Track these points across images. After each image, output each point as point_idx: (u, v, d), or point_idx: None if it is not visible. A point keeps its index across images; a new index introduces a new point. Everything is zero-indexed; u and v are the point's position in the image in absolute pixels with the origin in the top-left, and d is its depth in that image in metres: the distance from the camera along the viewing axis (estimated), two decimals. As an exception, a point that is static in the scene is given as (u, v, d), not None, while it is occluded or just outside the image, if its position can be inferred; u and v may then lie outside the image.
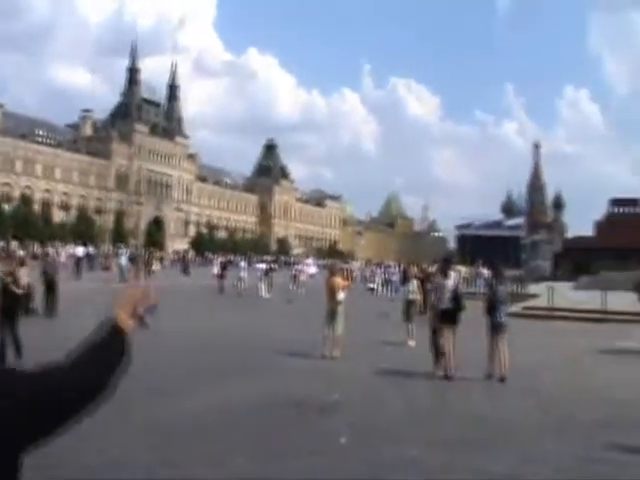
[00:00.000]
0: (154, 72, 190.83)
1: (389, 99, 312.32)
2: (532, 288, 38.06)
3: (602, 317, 21.09)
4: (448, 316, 10.62)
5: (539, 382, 10.51)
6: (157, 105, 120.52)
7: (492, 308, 10.83)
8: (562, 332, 18.47)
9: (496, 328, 10.75)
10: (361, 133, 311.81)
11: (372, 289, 35.98)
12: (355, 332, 14.17)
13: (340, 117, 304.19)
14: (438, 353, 10.68)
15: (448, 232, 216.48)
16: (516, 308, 25.04)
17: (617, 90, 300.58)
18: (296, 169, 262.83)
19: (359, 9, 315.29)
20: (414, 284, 13.66)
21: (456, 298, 10.69)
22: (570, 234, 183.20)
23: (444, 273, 11.01)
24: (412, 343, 13.84)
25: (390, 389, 9.76)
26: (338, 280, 13.27)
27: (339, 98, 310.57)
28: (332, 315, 12.59)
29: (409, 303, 13.74)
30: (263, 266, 31.61)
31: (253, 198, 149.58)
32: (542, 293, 27.55)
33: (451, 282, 10.84)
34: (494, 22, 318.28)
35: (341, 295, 12.78)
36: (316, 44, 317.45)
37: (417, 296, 14.54)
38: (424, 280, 24.60)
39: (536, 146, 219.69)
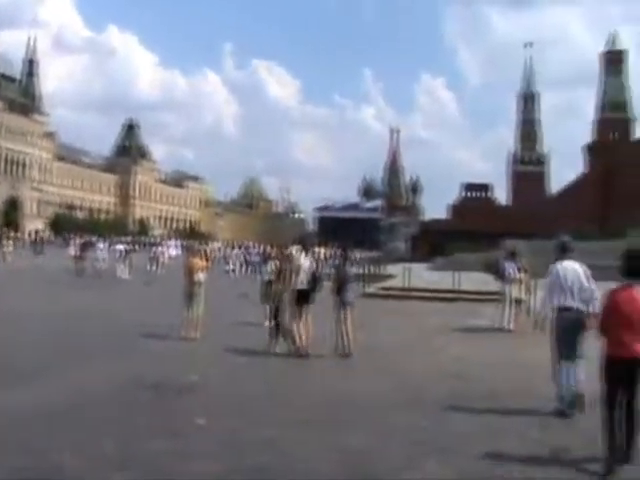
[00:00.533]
0: (11, 46, 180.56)
1: (250, 81, 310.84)
2: (390, 269, 39.19)
3: (455, 297, 22.09)
4: (303, 296, 10.92)
5: (393, 360, 10.86)
6: (13, 81, 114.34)
7: (340, 288, 11.30)
8: (417, 312, 19.15)
9: (343, 306, 11.22)
10: (222, 114, 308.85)
11: (231, 270, 35.95)
12: (214, 313, 14.12)
13: (201, 97, 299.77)
14: (278, 331, 11.20)
15: (308, 214, 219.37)
16: (373, 289, 25.79)
17: (470, 80, 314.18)
18: (156, 149, 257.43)
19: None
20: (272, 265, 13.58)
21: (314, 279, 11.02)
22: (427, 217, 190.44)
23: (306, 252, 11.39)
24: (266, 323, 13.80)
25: (248, 369, 9.83)
26: (197, 261, 13.25)
27: (201, 78, 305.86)
28: (191, 296, 12.61)
29: (267, 284, 13.71)
30: (122, 247, 30.82)
31: (112, 178, 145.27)
32: (399, 274, 28.47)
33: (308, 263, 11.16)
34: (354, 7, 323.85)
35: (200, 276, 12.78)
36: (178, 23, 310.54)
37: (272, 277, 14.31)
38: (282, 261, 24.88)
39: (394, 131, 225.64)
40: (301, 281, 10.97)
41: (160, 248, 36.68)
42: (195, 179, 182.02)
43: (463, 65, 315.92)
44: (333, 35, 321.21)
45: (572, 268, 7.66)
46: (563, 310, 7.54)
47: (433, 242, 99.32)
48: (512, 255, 16.07)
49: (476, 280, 22.43)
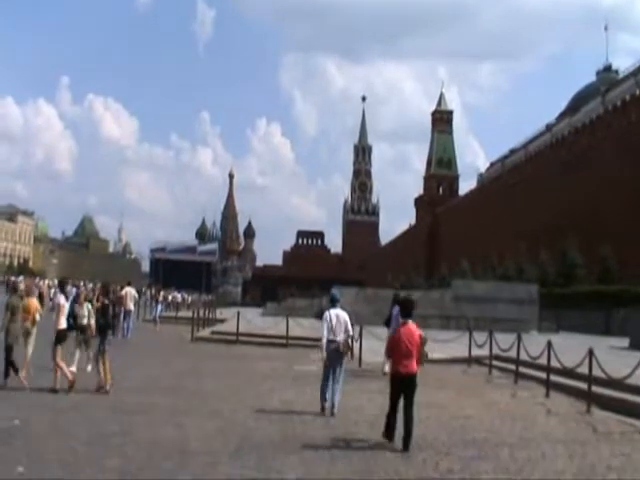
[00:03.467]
0: None
1: (86, 115, 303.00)
2: (223, 312, 38.97)
3: (285, 342, 22.26)
4: (63, 335, 11.43)
5: (222, 405, 10.74)
6: None
7: (103, 331, 11.89)
8: (247, 357, 19.14)
9: (102, 348, 11.77)
10: (57, 148, 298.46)
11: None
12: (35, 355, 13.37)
13: (35, 130, 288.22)
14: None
15: (143, 255, 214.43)
16: (205, 332, 25.51)
17: (306, 129, 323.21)
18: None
19: (59, 18, 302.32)
20: (86, 308, 12.88)
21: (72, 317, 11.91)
22: (262, 262, 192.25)
23: (65, 295, 11.92)
24: (89, 367, 13.25)
25: (70, 414, 9.35)
26: (33, 300, 12.53)
27: (35, 109, 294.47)
28: (26, 336, 11.98)
29: (81, 328, 13.05)
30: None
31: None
32: (231, 318, 28.35)
33: (68, 304, 11.79)
34: (194, 50, 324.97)
35: (37, 316, 12.21)
36: (14, 50, 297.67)
37: (90, 320, 13.03)
38: (110, 304, 24.00)
39: (230, 176, 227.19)
40: (64, 321, 11.39)
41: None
42: (27, 214, 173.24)
43: (299, 113, 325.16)
44: (173, 75, 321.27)
45: (336, 314, 10.72)
46: (330, 342, 10.49)
47: (266, 287, 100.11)
48: (397, 301, 15.96)
49: (307, 326, 22.75)
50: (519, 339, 15.38)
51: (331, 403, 10.39)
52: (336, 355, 10.52)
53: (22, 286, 30.19)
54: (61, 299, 11.65)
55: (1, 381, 11.22)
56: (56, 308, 11.57)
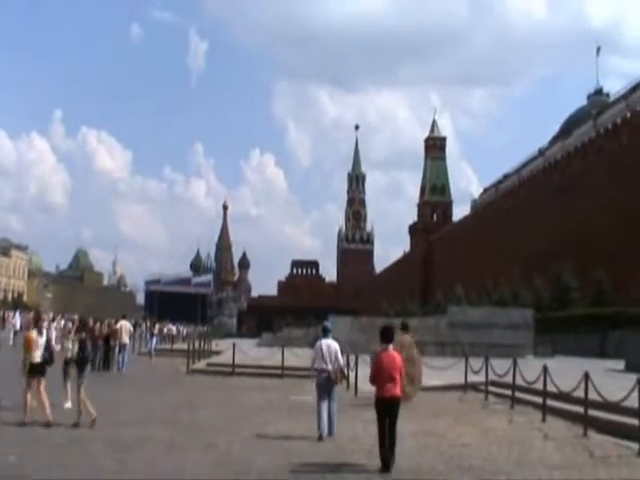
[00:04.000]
0: None
1: (79, 149, 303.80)
2: (219, 344, 38.87)
3: (280, 373, 22.22)
4: (39, 368, 11.43)
5: (218, 437, 10.71)
6: None
7: (81, 365, 11.77)
8: (243, 388, 19.11)
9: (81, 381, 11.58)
10: (50, 182, 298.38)
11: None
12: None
13: (28, 163, 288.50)
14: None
15: (137, 287, 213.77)
16: (201, 365, 25.45)
17: (300, 158, 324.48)
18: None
19: (53, 51, 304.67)
20: (71, 341, 12.92)
21: (49, 352, 11.66)
22: (257, 293, 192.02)
23: (39, 330, 11.74)
24: (68, 405, 13.03)
25: (66, 449, 9.32)
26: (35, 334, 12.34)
27: (28, 143, 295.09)
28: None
29: (66, 362, 13.03)
30: None
31: None
32: (226, 349, 28.30)
33: (44, 338, 11.67)
34: (187, 81, 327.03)
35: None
36: (6, 84, 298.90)
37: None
38: (86, 338, 23.87)
39: (224, 207, 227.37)
40: (37, 355, 11.43)
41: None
42: (21, 248, 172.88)
43: (293, 143, 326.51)
44: (166, 107, 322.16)
45: (327, 344, 11.25)
46: (321, 371, 11.08)
47: (261, 318, 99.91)
48: (404, 328, 16.34)
49: (302, 355, 22.70)
50: (515, 364, 15.41)
51: (329, 424, 10.91)
52: (328, 383, 11.10)
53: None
54: (33, 333, 11.65)
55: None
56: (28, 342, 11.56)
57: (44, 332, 11.88)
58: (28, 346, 11.54)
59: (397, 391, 8.76)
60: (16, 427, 10.89)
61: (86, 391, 11.40)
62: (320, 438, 10.63)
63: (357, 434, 11.27)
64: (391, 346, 9.07)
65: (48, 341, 11.75)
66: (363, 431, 11.35)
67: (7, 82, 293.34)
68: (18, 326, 37.44)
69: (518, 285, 57.01)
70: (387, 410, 8.73)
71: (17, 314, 45.31)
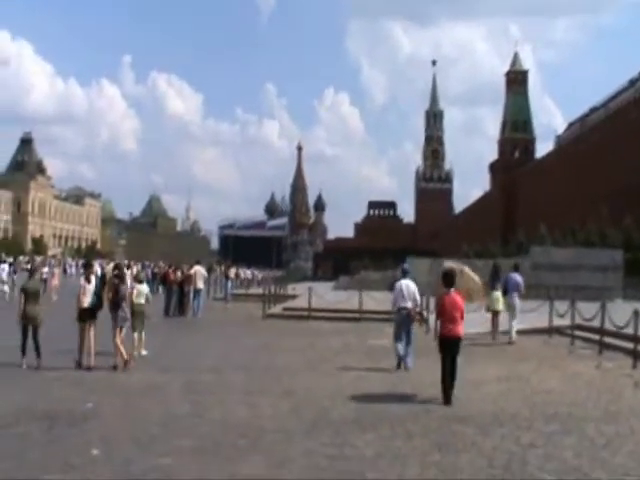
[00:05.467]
0: None
1: (150, 94, 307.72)
2: (294, 288, 39.26)
3: (358, 316, 22.30)
4: (88, 313, 11.89)
5: (294, 384, 10.81)
6: None
7: (116, 305, 12.15)
8: (320, 332, 19.25)
9: (115, 323, 12.05)
10: (121, 128, 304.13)
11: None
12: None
13: (99, 111, 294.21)
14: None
15: (211, 232, 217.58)
16: (277, 309, 25.75)
17: (375, 97, 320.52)
18: (53, 165, 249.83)
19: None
20: (140, 288, 13.56)
21: (98, 297, 12.06)
22: (332, 235, 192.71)
23: (87, 278, 12.19)
24: (144, 352, 13.52)
25: (143, 395, 9.57)
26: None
27: (98, 90, 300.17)
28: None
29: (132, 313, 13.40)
30: (6, 267, 29.57)
31: (7, 195, 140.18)
32: (302, 293, 28.53)
33: (92, 285, 12.10)
34: (257, 21, 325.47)
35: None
36: (76, 32, 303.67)
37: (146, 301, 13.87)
38: (182, 283, 24.46)
39: (298, 148, 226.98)
40: (86, 300, 11.93)
41: (47, 269, 34.08)
42: (94, 196, 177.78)
43: (367, 81, 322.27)
44: (237, 48, 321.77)
45: (406, 284, 12.62)
46: (401, 309, 12.51)
47: (337, 260, 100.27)
48: (516, 268, 18.25)
49: (380, 299, 22.67)
50: (603, 308, 15.00)
51: (405, 361, 12.29)
52: (406, 320, 12.54)
53: (44, 270, 30.72)
54: (81, 280, 12.35)
55: (19, 361, 11.59)
56: (78, 288, 12.21)
57: (92, 279, 12.31)
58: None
59: (458, 331, 9.76)
60: (92, 374, 11.27)
61: (122, 336, 11.92)
62: (399, 366, 12.23)
63: (438, 380, 11.20)
64: (453, 289, 10.03)
65: (97, 287, 12.20)
66: (437, 370, 11.27)
67: (75, 29, 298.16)
68: (100, 273, 38.68)
69: (606, 224, 55.37)
70: (449, 348, 9.69)
71: (96, 263, 46.81)
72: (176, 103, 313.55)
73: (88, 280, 12.18)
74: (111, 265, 25.95)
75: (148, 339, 13.77)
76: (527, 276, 32.78)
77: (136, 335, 13.34)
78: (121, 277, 12.82)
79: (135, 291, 13.52)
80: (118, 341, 11.82)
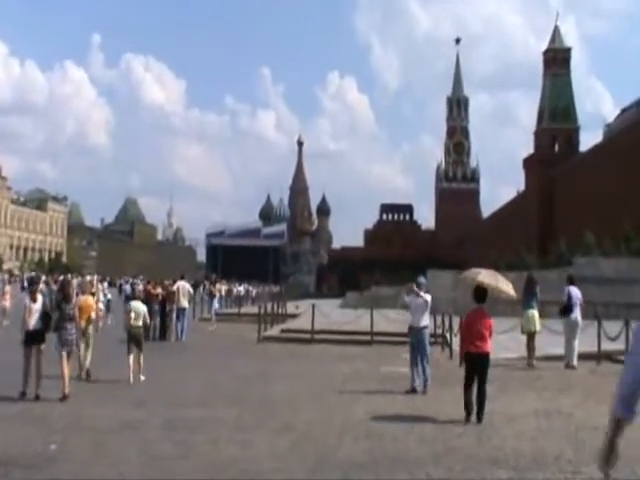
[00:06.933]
0: None
1: (123, 79, 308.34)
2: (295, 306, 39.23)
3: (369, 339, 22.28)
4: (34, 336, 12.19)
5: (295, 417, 10.81)
6: None
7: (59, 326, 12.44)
8: (325, 358, 19.29)
9: (61, 346, 12.28)
10: (90, 120, 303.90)
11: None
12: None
13: (63, 99, 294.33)
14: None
15: (197, 241, 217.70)
16: (274, 331, 25.76)
17: (388, 82, 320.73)
18: (9, 163, 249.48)
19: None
20: (137, 308, 14.39)
21: (44, 318, 12.33)
22: (338, 244, 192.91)
23: (33, 297, 12.52)
24: (142, 377, 14.15)
25: (118, 434, 9.56)
26: (90, 299, 14.94)
27: (62, 75, 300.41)
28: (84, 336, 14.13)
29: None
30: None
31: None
32: (304, 312, 28.56)
33: (38, 305, 12.40)
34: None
35: (93, 315, 14.76)
36: (35, 5, 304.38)
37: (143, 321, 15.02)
38: (164, 299, 24.48)
39: (299, 143, 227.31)
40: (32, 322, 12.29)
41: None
42: (58, 200, 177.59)
43: (378, 63, 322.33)
44: (226, 27, 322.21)
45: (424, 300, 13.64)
46: (412, 328, 13.78)
47: (344, 274, 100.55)
48: (571, 280, 18.39)
49: (395, 319, 22.70)
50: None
51: (422, 382, 13.34)
52: (421, 340, 13.70)
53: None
54: (26, 299, 12.70)
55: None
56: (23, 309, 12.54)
57: (39, 298, 12.59)
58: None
59: (486, 347, 10.78)
60: (57, 408, 11.28)
61: (67, 362, 12.24)
62: (414, 390, 13.21)
63: (455, 404, 11.18)
64: (483, 305, 11.21)
65: (45, 306, 12.52)
66: (461, 403, 11.29)
67: (35, 2, 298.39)
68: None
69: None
70: (475, 365, 10.72)
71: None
72: (154, 90, 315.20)
73: (34, 299, 12.50)
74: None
75: (121, 367, 13.91)
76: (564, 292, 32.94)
77: (132, 358, 14.03)
78: (66, 294, 13.15)
79: (133, 314, 14.43)
80: (62, 368, 12.05)
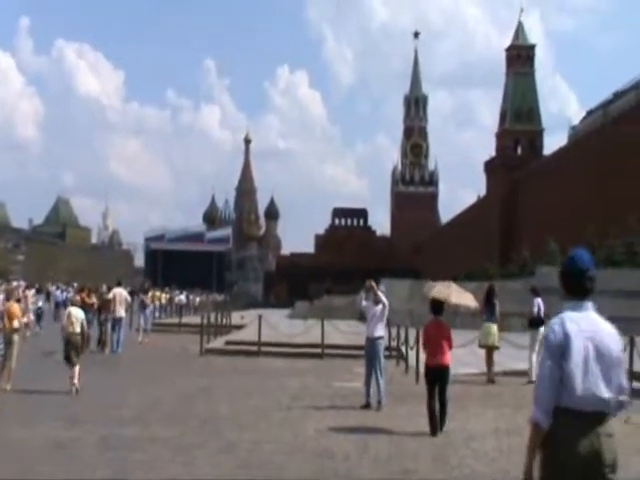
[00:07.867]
0: None
1: (55, 68, 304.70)
2: (241, 317, 39.12)
3: (320, 352, 22.33)
4: None
5: (241, 436, 10.80)
6: None
7: None
8: (273, 372, 19.29)
9: None
10: (17, 111, 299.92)
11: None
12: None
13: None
14: None
15: (136, 246, 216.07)
16: (218, 343, 25.69)
17: (341, 77, 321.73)
18: None
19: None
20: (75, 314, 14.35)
21: None
22: (287, 250, 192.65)
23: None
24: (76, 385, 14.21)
25: (49, 454, 9.47)
26: (15, 305, 15.06)
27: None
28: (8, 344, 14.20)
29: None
30: None
31: None
32: (251, 323, 28.50)
33: None
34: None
35: (16, 323, 14.64)
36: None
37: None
38: (100, 309, 24.28)
39: (246, 141, 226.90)
40: None
41: None
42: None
43: (332, 57, 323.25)
44: (167, 14, 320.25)
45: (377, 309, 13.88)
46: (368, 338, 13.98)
47: (294, 282, 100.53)
48: (535, 292, 18.75)
49: (347, 330, 22.80)
50: (632, 345, 14.97)
51: (377, 397, 13.44)
52: (375, 351, 13.90)
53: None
54: None
55: None
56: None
57: None
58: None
59: (445, 360, 11.35)
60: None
61: None
62: (367, 405, 13.40)
63: (420, 431, 11.26)
64: (440, 317, 11.83)
65: None
66: (427, 427, 11.37)
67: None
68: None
69: (635, 238, 56.07)
70: (436, 378, 11.26)
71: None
72: (89, 81, 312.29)
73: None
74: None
75: (50, 382, 13.87)
76: (532, 303, 33.27)
77: (77, 370, 14.18)
78: None
79: (72, 318, 14.48)
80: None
